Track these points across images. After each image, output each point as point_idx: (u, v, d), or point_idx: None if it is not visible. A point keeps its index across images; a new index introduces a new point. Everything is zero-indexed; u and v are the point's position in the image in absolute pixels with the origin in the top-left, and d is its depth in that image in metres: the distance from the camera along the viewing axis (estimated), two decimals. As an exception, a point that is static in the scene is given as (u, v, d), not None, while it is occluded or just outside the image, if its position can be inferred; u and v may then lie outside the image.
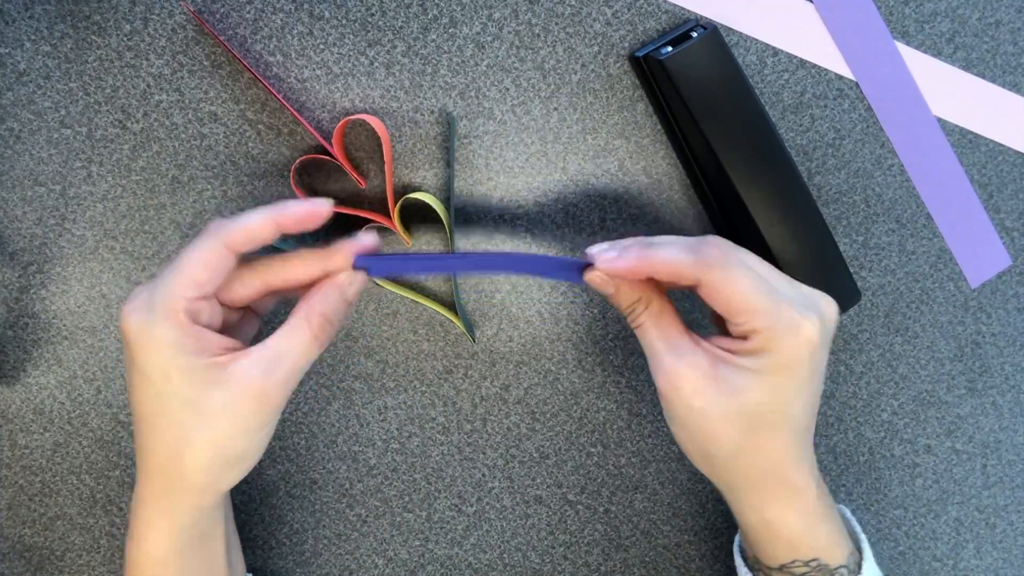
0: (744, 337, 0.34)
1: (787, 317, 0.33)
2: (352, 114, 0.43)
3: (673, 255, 0.34)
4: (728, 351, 0.34)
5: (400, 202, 0.43)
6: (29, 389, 0.44)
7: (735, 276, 0.33)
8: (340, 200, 0.44)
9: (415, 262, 0.37)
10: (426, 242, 0.45)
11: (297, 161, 0.42)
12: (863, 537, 0.40)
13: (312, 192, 0.44)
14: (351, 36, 0.42)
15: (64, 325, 0.44)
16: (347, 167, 0.42)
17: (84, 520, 0.46)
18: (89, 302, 0.44)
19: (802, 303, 0.34)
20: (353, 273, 0.36)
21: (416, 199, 0.43)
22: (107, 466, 0.45)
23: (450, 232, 0.43)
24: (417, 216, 0.45)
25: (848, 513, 0.42)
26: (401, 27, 0.42)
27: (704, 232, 0.46)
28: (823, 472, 0.49)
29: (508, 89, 0.44)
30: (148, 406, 0.34)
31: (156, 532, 0.35)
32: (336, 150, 0.42)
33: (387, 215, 0.43)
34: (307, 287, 0.36)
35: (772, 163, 0.42)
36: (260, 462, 0.46)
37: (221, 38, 0.41)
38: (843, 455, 0.49)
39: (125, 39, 0.41)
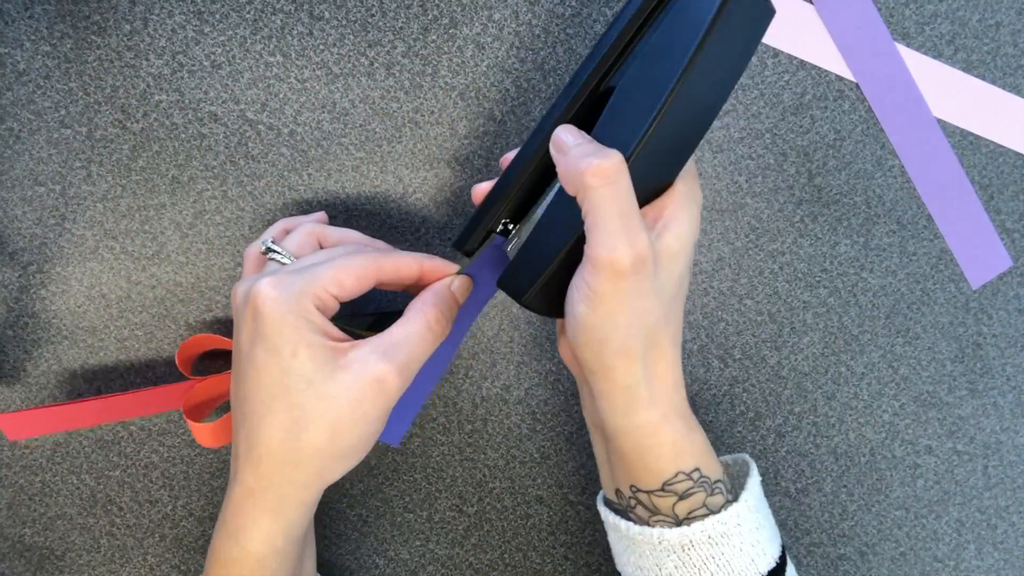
0: None
1: (597, 247, 0.33)
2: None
3: (567, 167, 0.34)
4: None
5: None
6: (29, 389, 0.44)
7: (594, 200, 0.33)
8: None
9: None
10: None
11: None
12: (752, 464, 0.39)
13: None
14: (351, 36, 0.42)
15: (64, 325, 0.44)
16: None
17: (84, 520, 0.46)
18: (89, 302, 0.44)
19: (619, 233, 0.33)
20: (466, 277, 0.39)
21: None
22: (107, 466, 0.45)
23: None
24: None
25: (748, 457, 0.40)
26: (401, 27, 0.42)
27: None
28: (822, 473, 0.49)
29: (508, 90, 0.44)
30: (268, 385, 0.34)
31: (259, 529, 0.35)
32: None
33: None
34: (411, 286, 0.38)
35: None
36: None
37: None
38: (844, 456, 0.49)
39: (125, 39, 0.41)
